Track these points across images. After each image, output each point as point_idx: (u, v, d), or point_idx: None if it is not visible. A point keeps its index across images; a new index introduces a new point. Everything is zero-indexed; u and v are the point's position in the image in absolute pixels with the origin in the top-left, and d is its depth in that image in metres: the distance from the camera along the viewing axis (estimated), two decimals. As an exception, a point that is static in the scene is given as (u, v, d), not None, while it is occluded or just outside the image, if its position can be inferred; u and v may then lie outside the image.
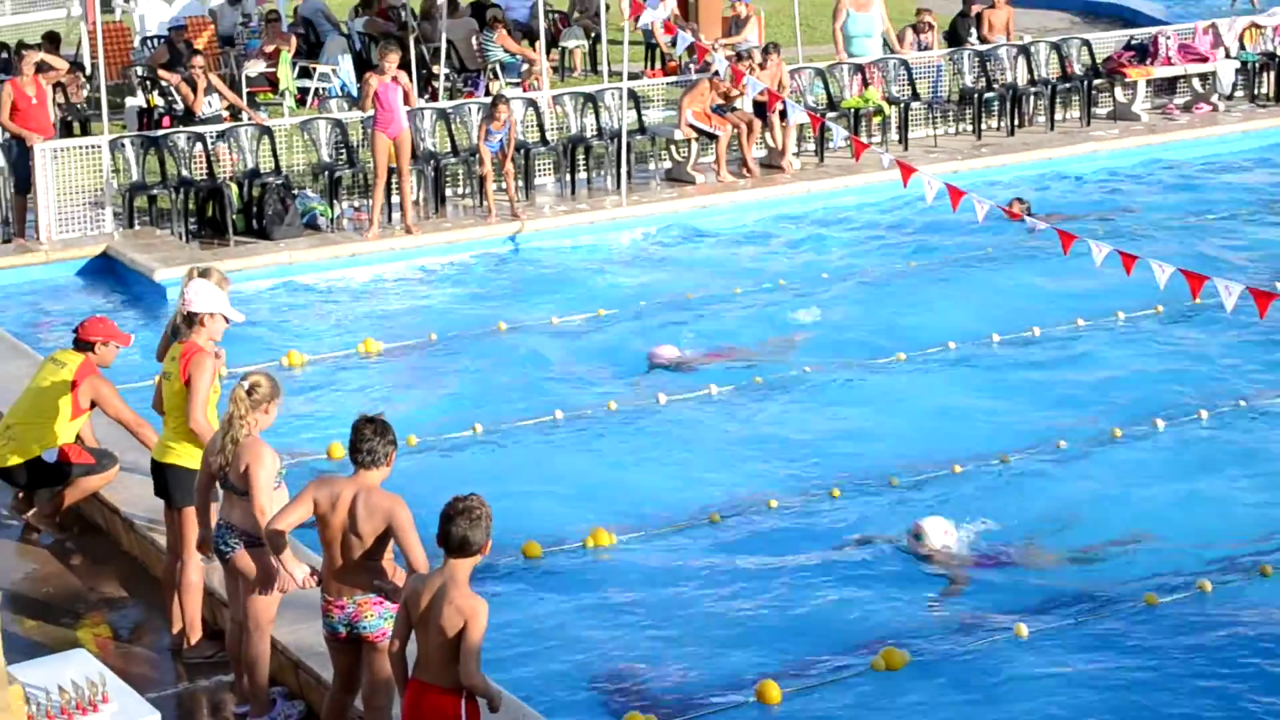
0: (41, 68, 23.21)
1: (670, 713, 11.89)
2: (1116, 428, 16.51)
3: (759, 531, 14.66)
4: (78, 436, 13.87)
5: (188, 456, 11.85)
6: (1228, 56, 28.75)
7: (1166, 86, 28.96)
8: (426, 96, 27.91)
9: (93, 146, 22.67)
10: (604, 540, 14.37)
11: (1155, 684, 12.23)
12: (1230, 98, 28.79)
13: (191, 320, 11.95)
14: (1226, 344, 18.73)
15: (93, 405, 13.69)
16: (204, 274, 12.78)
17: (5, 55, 27.15)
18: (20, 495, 14.27)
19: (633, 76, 26.17)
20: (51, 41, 28.20)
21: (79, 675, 9.46)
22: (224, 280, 12.99)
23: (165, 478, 12.06)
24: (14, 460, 13.75)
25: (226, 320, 12.07)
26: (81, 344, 13.75)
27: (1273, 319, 14.98)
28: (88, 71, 28.46)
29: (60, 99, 26.25)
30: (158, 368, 17.31)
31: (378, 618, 9.99)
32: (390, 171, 22.16)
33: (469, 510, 9.12)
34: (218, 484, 11.07)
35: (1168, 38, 28.60)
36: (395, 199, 22.77)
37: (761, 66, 24.57)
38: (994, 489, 15.45)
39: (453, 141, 24.14)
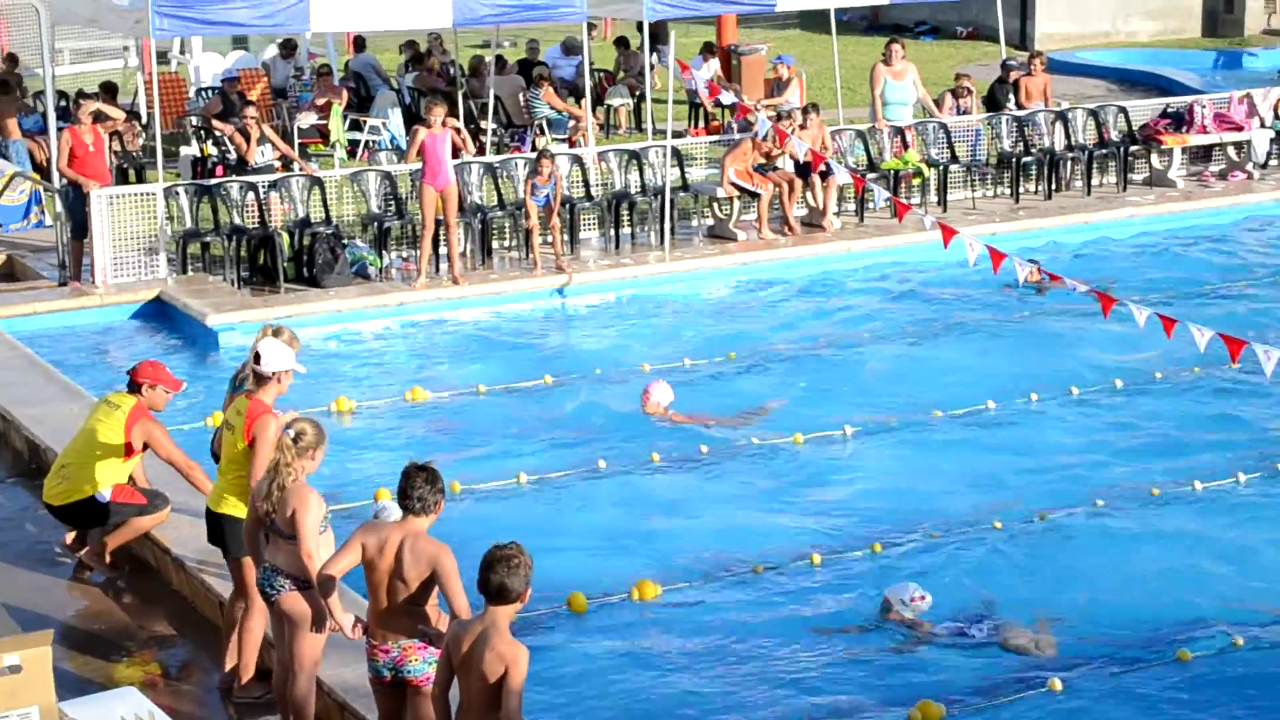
0: (99, 117, 23.33)
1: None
2: (1155, 487, 16.44)
3: (801, 584, 14.59)
4: (130, 477, 13.93)
5: (243, 508, 11.86)
6: (1262, 126, 28.74)
7: (1202, 154, 28.95)
8: (474, 151, 28.01)
9: (148, 194, 22.75)
10: (649, 592, 14.27)
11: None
12: (1265, 166, 28.74)
13: (263, 378, 11.94)
14: (1263, 408, 18.66)
15: (145, 447, 13.71)
16: (276, 333, 12.88)
17: (64, 104, 27.29)
18: (73, 534, 14.31)
19: (676, 135, 26.21)
20: (108, 91, 28.44)
21: (129, 713, 9.47)
22: (294, 339, 13.04)
23: (221, 528, 12.08)
24: (68, 499, 13.77)
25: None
26: (135, 386, 13.77)
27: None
28: (143, 120, 28.62)
29: (117, 147, 26.42)
30: (207, 411, 17.50)
31: (421, 662, 10.02)
32: (437, 223, 22.21)
33: (507, 559, 9.15)
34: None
35: (1203, 106, 28.58)
36: (444, 250, 22.79)
37: (803, 127, 24.60)
38: (1032, 545, 15.35)
39: (499, 195, 24.21)
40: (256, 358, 11.99)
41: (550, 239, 23.17)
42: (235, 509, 11.90)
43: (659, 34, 33.67)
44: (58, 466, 14.00)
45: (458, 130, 22.61)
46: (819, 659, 13.30)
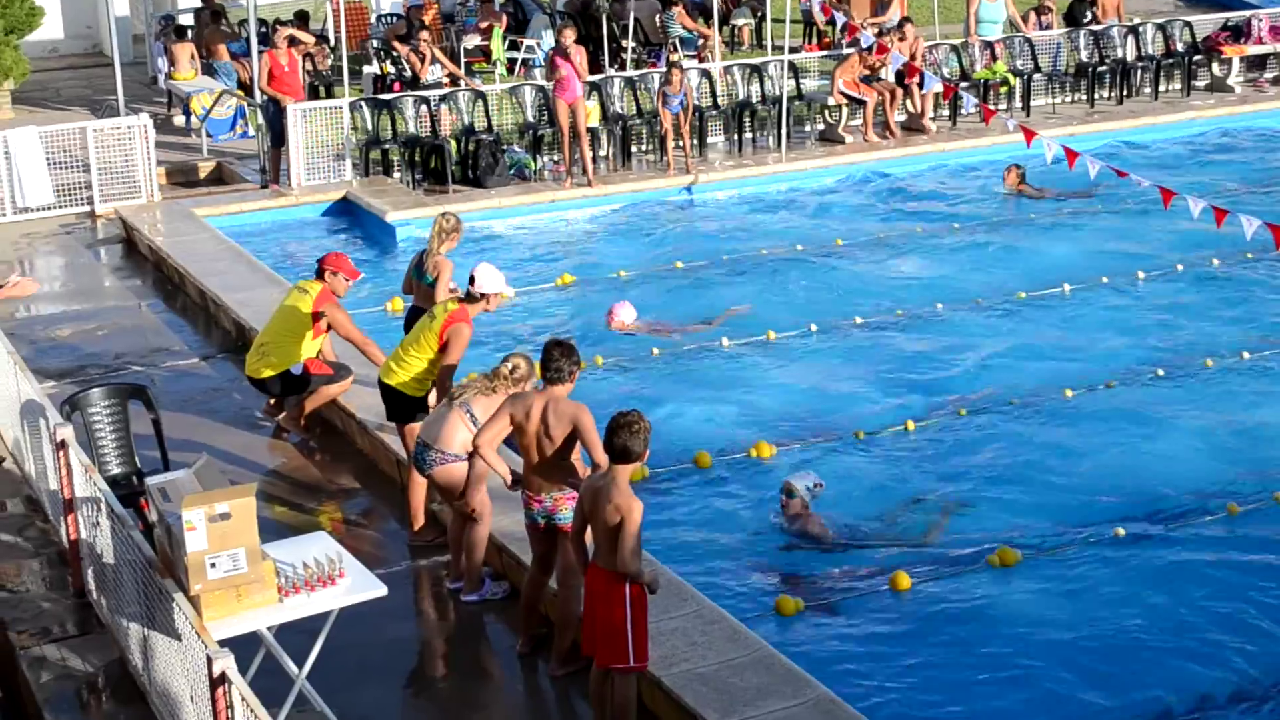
0: (293, 41, 23.42)
1: (816, 596, 11.92)
2: (1209, 358, 16.31)
3: (900, 446, 14.60)
4: (319, 352, 14.06)
5: (411, 385, 12.02)
6: (1315, 36, 28.14)
7: (1258, 63, 28.29)
8: (615, 66, 27.87)
9: (335, 108, 22.78)
10: (765, 452, 14.33)
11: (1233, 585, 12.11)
12: (1315, 73, 28.20)
13: (474, 296, 11.97)
14: None
15: (329, 326, 13.87)
16: (445, 218, 13.45)
17: (264, 30, 27.41)
18: (272, 402, 14.53)
19: (792, 50, 25.94)
20: (301, 19, 28.56)
21: (320, 553, 9.58)
22: (460, 224, 13.37)
23: (388, 397, 12.23)
24: (267, 372, 13.96)
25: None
26: (321, 273, 13.91)
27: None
28: (332, 44, 28.71)
29: (309, 67, 26.50)
30: (387, 296, 17.62)
31: (570, 510, 10.11)
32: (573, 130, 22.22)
33: (629, 424, 9.27)
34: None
35: (1260, 20, 27.99)
36: (596, 152, 22.79)
37: (901, 39, 24.37)
38: (1101, 410, 15.24)
39: (638, 105, 24.09)
40: (472, 279, 12.00)
41: (681, 143, 23.09)
42: (401, 384, 12.06)
43: None
44: (257, 344, 14.15)
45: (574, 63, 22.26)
46: (911, 510, 13.35)
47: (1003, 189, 22.74)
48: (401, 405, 12.18)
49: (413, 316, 13.93)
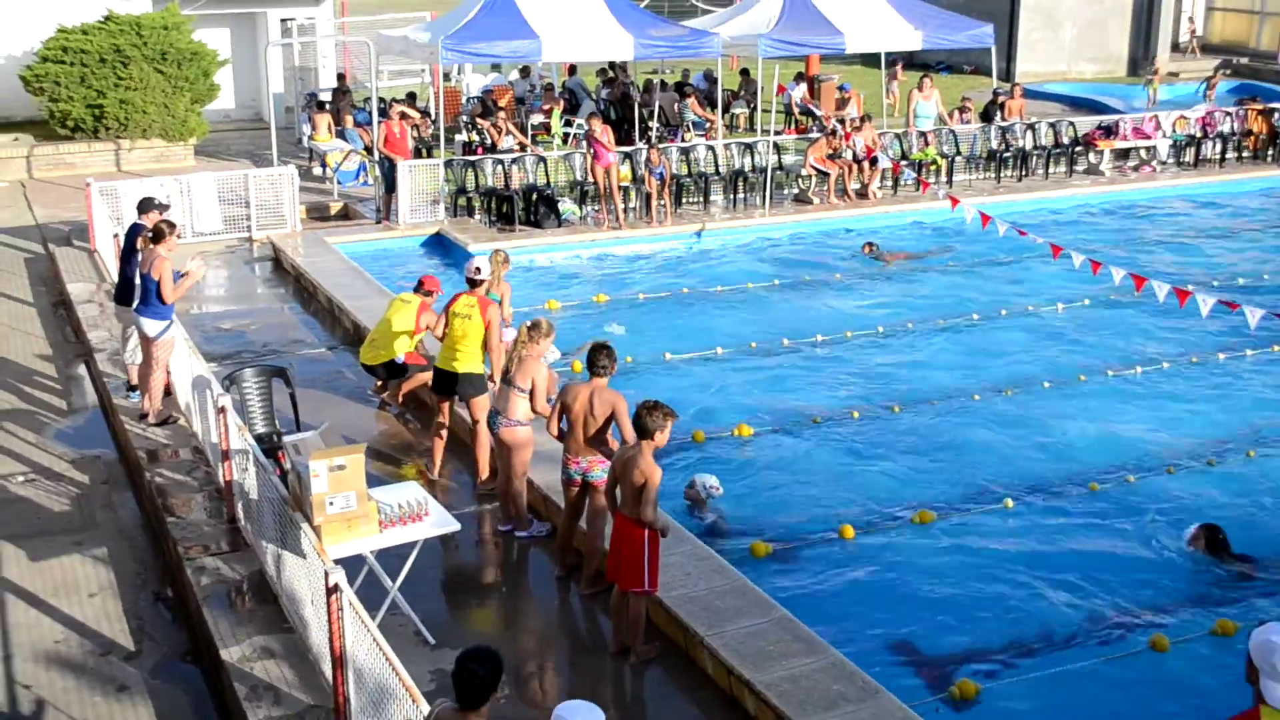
0: (404, 115, 23.43)
1: (780, 543, 11.86)
2: (1081, 374, 16.11)
3: (846, 430, 14.52)
4: (416, 346, 14.04)
5: (474, 367, 11.95)
6: (1164, 136, 27.97)
7: (1123, 154, 28.17)
8: (644, 141, 27.80)
9: (434, 165, 22.77)
10: (745, 431, 14.30)
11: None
12: (1165, 163, 27.99)
13: (474, 283, 12.04)
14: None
15: (425, 327, 13.84)
16: (498, 252, 13.49)
17: (383, 106, 27.42)
18: (379, 383, 14.49)
19: (776, 133, 25.82)
20: (410, 98, 28.52)
21: (410, 497, 9.61)
22: (508, 260, 13.40)
23: (459, 379, 12.09)
24: (376, 361, 13.95)
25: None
26: (420, 289, 13.90)
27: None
28: (433, 117, 28.69)
29: (415, 134, 26.47)
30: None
31: (601, 470, 10.15)
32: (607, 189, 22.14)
33: (652, 409, 9.22)
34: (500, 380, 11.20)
35: (1126, 122, 27.90)
36: (626, 204, 22.63)
37: (858, 130, 24.27)
38: (1026, 416, 15.11)
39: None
40: (477, 269, 12.11)
41: (664, 202, 22.92)
42: (470, 368, 11.97)
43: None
44: (369, 339, 14.14)
45: (603, 138, 22.17)
46: (853, 473, 13.29)
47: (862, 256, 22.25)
48: (468, 384, 12.06)
49: None
